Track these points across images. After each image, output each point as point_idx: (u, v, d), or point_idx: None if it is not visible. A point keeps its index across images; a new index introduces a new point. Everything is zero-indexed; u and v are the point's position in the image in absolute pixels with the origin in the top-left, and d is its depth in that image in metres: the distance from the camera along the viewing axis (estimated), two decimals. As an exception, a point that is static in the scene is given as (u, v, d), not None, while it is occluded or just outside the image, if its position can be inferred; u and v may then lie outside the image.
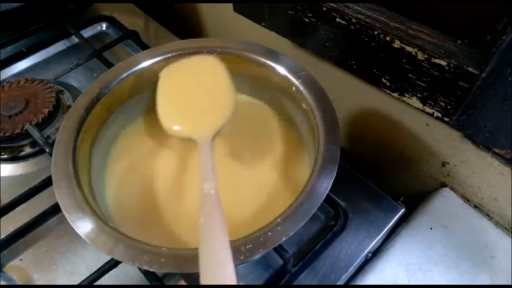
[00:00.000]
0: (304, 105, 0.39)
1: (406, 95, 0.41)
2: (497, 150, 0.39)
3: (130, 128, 0.44)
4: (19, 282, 0.41)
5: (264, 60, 0.41)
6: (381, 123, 0.51)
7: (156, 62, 0.42)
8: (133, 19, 0.67)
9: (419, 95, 0.40)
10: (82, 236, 0.30)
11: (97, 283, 0.38)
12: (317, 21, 0.44)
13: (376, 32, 0.39)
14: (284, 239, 0.29)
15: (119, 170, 0.41)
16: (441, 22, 0.38)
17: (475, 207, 0.47)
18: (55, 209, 0.43)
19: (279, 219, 0.30)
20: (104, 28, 0.66)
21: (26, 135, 0.48)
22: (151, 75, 0.42)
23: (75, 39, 0.62)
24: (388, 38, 0.38)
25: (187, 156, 0.43)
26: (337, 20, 0.41)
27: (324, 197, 0.31)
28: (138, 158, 0.43)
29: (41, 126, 0.49)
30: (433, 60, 0.36)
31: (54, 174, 0.34)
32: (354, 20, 0.40)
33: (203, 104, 0.39)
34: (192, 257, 0.28)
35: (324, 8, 0.42)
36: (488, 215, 0.47)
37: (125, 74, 0.41)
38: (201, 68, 0.41)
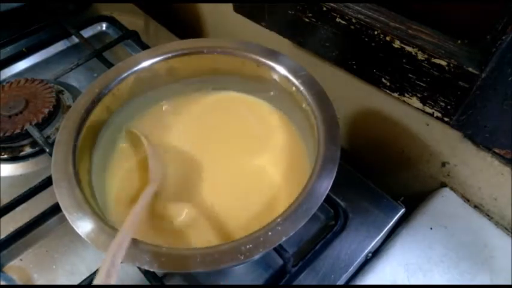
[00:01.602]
0: (304, 105, 0.39)
1: (406, 95, 0.41)
2: (497, 150, 0.39)
3: (130, 128, 0.44)
4: (19, 282, 0.41)
5: (264, 60, 0.41)
6: (380, 123, 0.51)
7: (156, 62, 0.42)
8: (133, 19, 0.67)
9: (419, 95, 0.40)
10: (82, 236, 0.30)
11: (97, 283, 0.38)
12: (317, 21, 0.44)
13: (376, 32, 0.39)
14: (284, 238, 0.29)
15: (119, 170, 0.41)
16: (441, 22, 0.38)
17: (475, 207, 0.47)
18: (55, 209, 0.43)
19: (279, 219, 0.30)
20: (104, 28, 0.66)
21: (26, 135, 0.48)
22: (151, 75, 0.42)
23: (75, 39, 0.62)
24: (388, 38, 0.38)
25: (187, 156, 0.43)
26: (337, 20, 0.41)
27: (324, 197, 0.31)
28: (138, 158, 0.43)
29: (41, 126, 0.49)
30: (433, 60, 0.36)
31: (54, 174, 0.34)
32: (354, 20, 0.40)
33: None
34: (192, 256, 0.28)
35: (324, 8, 0.42)
36: (488, 215, 0.47)
37: (125, 74, 0.41)
38: None
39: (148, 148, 0.41)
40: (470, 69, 0.34)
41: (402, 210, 0.45)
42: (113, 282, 0.27)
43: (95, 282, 0.27)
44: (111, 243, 0.29)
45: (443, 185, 0.50)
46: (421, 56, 0.37)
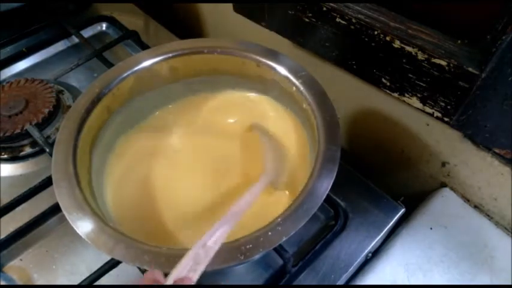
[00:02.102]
0: (304, 105, 0.39)
1: (406, 95, 0.41)
2: (497, 150, 0.39)
3: (130, 128, 0.44)
4: (19, 282, 0.41)
5: (264, 60, 0.41)
6: (380, 123, 0.51)
7: (156, 62, 0.42)
8: (133, 19, 0.67)
9: (419, 95, 0.40)
10: (82, 236, 0.30)
11: (97, 283, 0.38)
12: (317, 21, 0.44)
13: (376, 32, 0.39)
14: (284, 238, 0.29)
15: (119, 170, 0.41)
16: (441, 22, 0.38)
17: (475, 207, 0.47)
18: (55, 209, 0.43)
19: (279, 219, 0.30)
20: (104, 28, 0.66)
21: (26, 135, 0.48)
22: (151, 75, 0.42)
23: (75, 39, 0.62)
24: (388, 38, 0.38)
25: (188, 156, 0.43)
26: (337, 20, 0.41)
27: (324, 197, 0.31)
28: (138, 158, 0.43)
29: (41, 126, 0.49)
30: (433, 60, 0.36)
31: (55, 174, 0.34)
32: (354, 20, 0.40)
33: None
34: (192, 256, 0.28)
35: (324, 8, 0.42)
36: (488, 215, 0.47)
37: (125, 74, 0.41)
38: None
39: (264, 138, 0.41)
40: (470, 69, 0.34)
41: (402, 210, 0.45)
42: (195, 278, 0.26)
43: (170, 276, 0.26)
44: (209, 230, 0.28)
45: (443, 185, 0.50)
46: (421, 56, 0.37)
